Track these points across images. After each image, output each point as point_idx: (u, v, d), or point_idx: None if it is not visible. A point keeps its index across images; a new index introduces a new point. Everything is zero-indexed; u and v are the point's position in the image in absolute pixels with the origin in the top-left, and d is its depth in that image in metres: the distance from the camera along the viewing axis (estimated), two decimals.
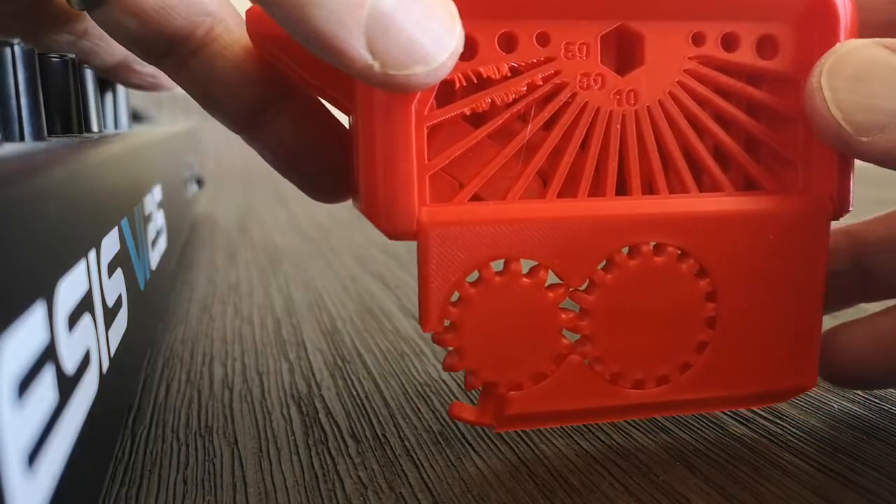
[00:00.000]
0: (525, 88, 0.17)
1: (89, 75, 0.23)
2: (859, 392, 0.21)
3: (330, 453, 0.18)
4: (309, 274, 0.38)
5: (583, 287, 0.17)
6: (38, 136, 0.18)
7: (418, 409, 0.21)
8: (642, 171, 0.17)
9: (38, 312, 0.11)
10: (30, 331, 0.11)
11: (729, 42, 0.18)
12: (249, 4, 0.16)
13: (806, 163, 0.18)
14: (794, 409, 0.20)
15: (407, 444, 0.19)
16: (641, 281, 0.17)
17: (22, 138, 0.17)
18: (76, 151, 0.16)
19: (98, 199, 0.17)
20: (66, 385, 0.13)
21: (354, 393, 0.22)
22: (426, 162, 0.16)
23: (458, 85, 0.16)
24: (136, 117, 0.39)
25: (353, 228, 0.51)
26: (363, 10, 0.13)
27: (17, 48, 0.17)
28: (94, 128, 0.24)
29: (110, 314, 0.17)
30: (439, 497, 0.16)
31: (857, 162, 0.17)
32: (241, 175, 0.82)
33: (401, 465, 0.18)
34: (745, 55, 0.18)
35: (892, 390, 0.21)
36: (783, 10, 0.17)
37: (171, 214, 0.34)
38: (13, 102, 0.17)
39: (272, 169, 0.20)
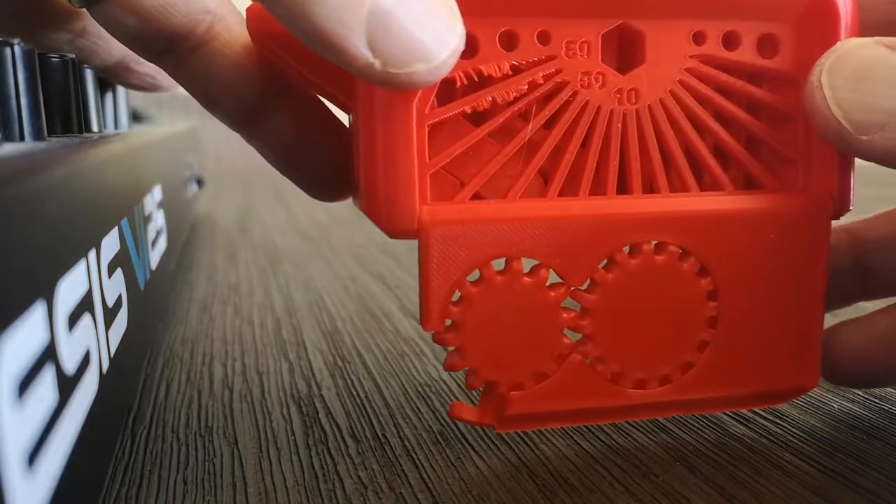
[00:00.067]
0: (526, 87, 0.17)
1: (89, 75, 0.23)
2: (859, 392, 0.21)
3: (330, 453, 0.18)
4: (309, 274, 0.38)
5: (584, 286, 0.17)
6: (38, 136, 0.18)
7: (418, 409, 0.21)
8: (643, 170, 0.17)
9: (38, 312, 0.11)
10: (30, 331, 0.11)
11: (730, 41, 0.18)
12: (249, 2, 0.16)
13: (806, 161, 0.18)
14: (794, 409, 0.20)
15: (407, 444, 0.19)
16: (643, 280, 0.17)
17: (22, 138, 0.17)
18: (76, 151, 0.16)
19: (98, 199, 0.17)
20: (66, 385, 0.13)
21: (354, 393, 0.22)
22: (427, 160, 0.16)
23: (458, 83, 0.16)
24: (136, 117, 0.39)
25: (354, 228, 0.51)
26: (364, 8, 0.13)
27: (17, 48, 0.17)
28: (94, 128, 0.24)
29: (110, 314, 0.17)
30: (439, 497, 0.16)
31: (858, 161, 0.17)
32: (241, 175, 0.82)
33: (401, 465, 0.18)
34: (745, 54, 0.18)
35: (892, 390, 0.21)
36: (784, 9, 0.17)
37: (171, 214, 0.34)
38: (13, 102, 0.17)
39: (272, 169, 0.20)
